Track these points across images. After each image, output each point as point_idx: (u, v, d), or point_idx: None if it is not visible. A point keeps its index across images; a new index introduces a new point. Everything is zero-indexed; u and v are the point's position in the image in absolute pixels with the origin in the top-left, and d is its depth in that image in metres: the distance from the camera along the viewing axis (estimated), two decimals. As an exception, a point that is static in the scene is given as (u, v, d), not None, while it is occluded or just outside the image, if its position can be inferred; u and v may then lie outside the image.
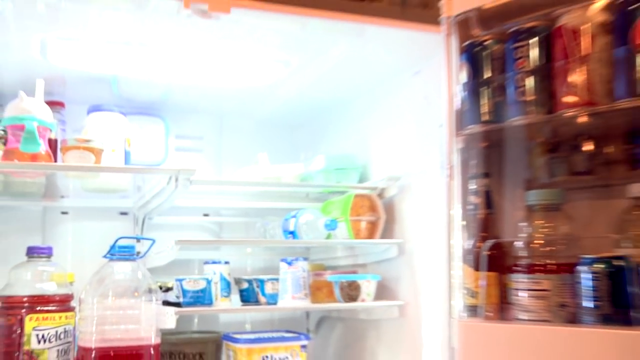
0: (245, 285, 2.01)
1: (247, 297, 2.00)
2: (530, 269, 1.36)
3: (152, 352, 1.71)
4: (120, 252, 1.75)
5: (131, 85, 2.06)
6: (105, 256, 1.75)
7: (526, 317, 1.35)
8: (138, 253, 1.85)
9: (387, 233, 1.95)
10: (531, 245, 1.38)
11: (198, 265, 2.10)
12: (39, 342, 1.68)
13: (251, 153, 2.19)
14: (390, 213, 1.96)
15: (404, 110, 1.89)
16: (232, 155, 2.36)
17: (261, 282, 1.96)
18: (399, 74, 1.88)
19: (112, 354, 1.66)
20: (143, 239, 1.88)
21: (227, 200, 2.24)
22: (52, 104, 1.86)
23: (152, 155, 2.18)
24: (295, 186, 2.11)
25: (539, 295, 1.34)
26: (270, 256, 2.23)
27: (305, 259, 1.90)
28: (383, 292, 1.94)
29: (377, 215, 1.94)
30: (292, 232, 1.98)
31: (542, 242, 1.38)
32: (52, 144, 1.80)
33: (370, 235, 1.95)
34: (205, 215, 2.31)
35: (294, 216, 1.99)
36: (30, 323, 1.67)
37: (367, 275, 1.92)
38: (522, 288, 1.36)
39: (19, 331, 1.67)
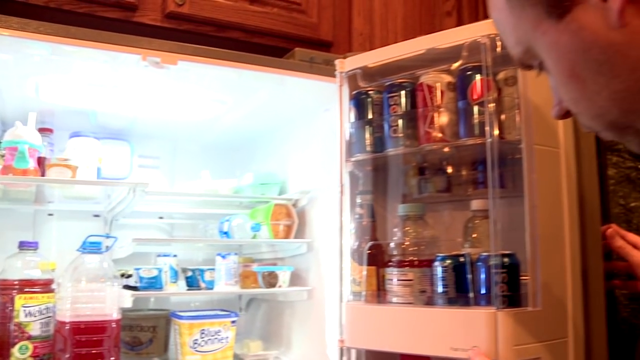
0: (189, 274, 2.06)
1: (191, 283, 2.05)
2: (400, 264, 1.43)
3: (114, 325, 1.75)
4: (90, 247, 1.78)
5: (105, 117, 2.08)
6: (78, 250, 1.79)
7: (396, 301, 1.42)
8: (107, 247, 1.89)
9: (299, 234, 2.00)
10: (401, 246, 1.46)
11: (154, 257, 2.13)
12: (26, 316, 1.70)
13: (198, 170, 2.24)
14: (302, 219, 2.01)
15: (315, 139, 1.94)
16: (183, 171, 2.38)
17: (202, 272, 2.01)
18: (313, 110, 1.92)
19: (82, 326, 1.70)
20: (108, 237, 1.91)
21: (178, 206, 2.28)
22: (43, 130, 1.92)
23: (119, 170, 2.19)
24: (229, 197, 2.15)
25: (406, 284, 1.41)
26: (210, 251, 2.26)
27: (236, 253, 1.95)
28: (296, 279, 1.99)
29: (292, 220, 2.00)
30: (225, 233, 2.03)
31: (409, 243, 1.46)
32: (42, 161, 1.84)
33: (287, 235, 2.00)
34: (160, 218, 2.33)
35: (228, 220, 2.04)
36: (19, 301, 1.70)
37: (283, 267, 1.97)
38: (393, 278, 1.43)
39: (10, 307, 1.70)
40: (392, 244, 1.48)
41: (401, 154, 1.48)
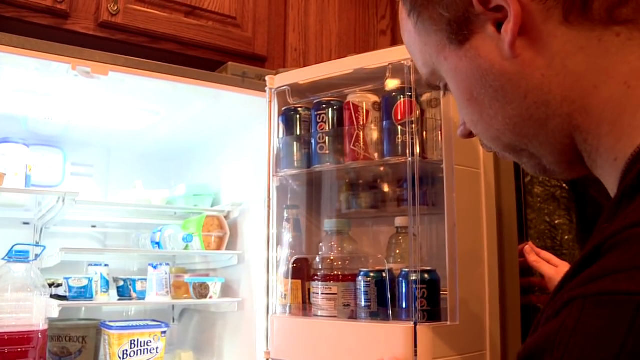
0: (121, 283, 2.04)
1: (123, 292, 2.03)
2: (324, 278, 1.46)
3: (40, 336, 1.73)
4: (16, 256, 1.76)
5: (37, 123, 2.05)
6: (3, 258, 1.76)
7: (321, 314, 1.45)
8: (36, 255, 1.86)
9: (231, 246, 2.01)
10: (326, 260, 1.49)
11: (85, 266, 2.11)
12: (-52, 329, 1.67)
13: (132, 179, 2.22)
14: (234, 230, 2.01)
15: (248, 151, 1.94)
16: (117, 180, 2.35)
17: (133, 281, 2.00)
18: (246, 123, 1.92)
19: (6, 337, 1.67)
20: (36, 245, 1.89)
21: (110, 215, 2.26)
22: (-33, 136, 1.87)
23: (51, 178, 2.16)
24: (161, 208, 2.15)
25: (330, 297, 1.44)
26: (143, 261, 2.24)
27: (168, 264, 1.95)
28: (228, 291, 2.00)
29: (224, 232, 2.00)
30: (157, 243, 2.02)
31: (334, 258, 1.49)
32: (-34, 167, 1.81)
33: (219, 247, 2.00)
34: (93, 227, 2.31)
35: (160, 230, 2.03)
36: (-61, 313, 1.67)
37: (214, 278, 1.98)
38: (318, 292, 1.46)
39: None
40: (317, 258, 1.50)
41: (328, 170, 1.51)
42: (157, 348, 1.89)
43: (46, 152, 2.17)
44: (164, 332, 1.91)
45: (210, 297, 1.93)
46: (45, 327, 1.75)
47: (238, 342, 1.95)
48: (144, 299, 1.97)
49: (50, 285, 1.85)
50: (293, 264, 1.53)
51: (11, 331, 1.68)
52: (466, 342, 1.35)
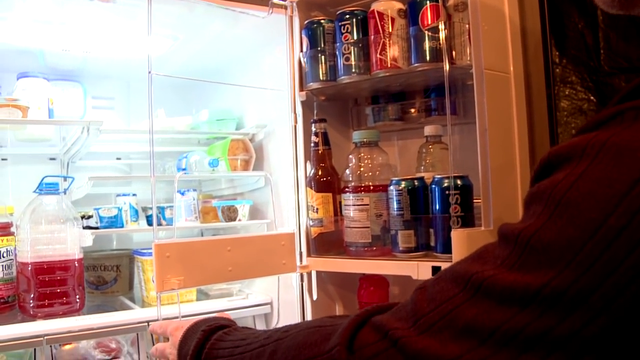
0: (149, 212, 2.05)
1: (151, 221, 2.04)
2: (356, 190, 1.45)
3: (77, 264, 1.75)
4: (46, 188, 1.77)
5: (55, 57, 2.02)
6: (35, 191, 1.77)
7: (353, 225, 1.45)
8: (65, 189, 1.87)
9: (257, 168, 2.00)
10: (356, 172, 1.47)
11: (113, 198, 2.12)
12: (-12, 259, 1.70)
13: (154, 109, 2.20)
14: (259, 153, 2.00)
15: (271, 71, 1.90)
16: (138, 111, 2.34)
17: (162, 209, 2.00)
18: (266, 45, 1.89)
19: (45, 266, 1.70)
20: (64, 177, 1.89)
21: (134, 146, 2.25)
22: (-14, 72, 1.85)
23: (73, 112, 2.14)
24: (185, 133, 2.13)
25: (362, 208, 1.43)
26: (169, 189, 2.25)
27: (195, 190, 1.95)
28: (256, 213, 2.00)
29: (249, 155, 1.99)
30: (184, 169, 2.02)
31: (364, 169, 1.47)
32: (-11, 104, 1.79)
33: (245, 169, 1.99)
34: (118, 158, 2.31)
35: (185, 157, 2.02)
36: (-20, 245, 1.69)
37: (242, 200, 1.98)
38: (349, 204, 1.45)
39: (-30, 252, 1.70)
40: (347, 171, 1.48)
41: (354, 82, 1.47)
42: (190, 272, 1.91)
43: (66, 87, 2.15)
44: (196, 256, 1.92)
45: (239, 220, 1.94)
46: (81, 256, 1.77)
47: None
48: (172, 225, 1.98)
49: (81, 218, 1.85)
50: (323, 178, 1.51)
51: (49, 260, 1.70)
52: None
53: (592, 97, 1.73)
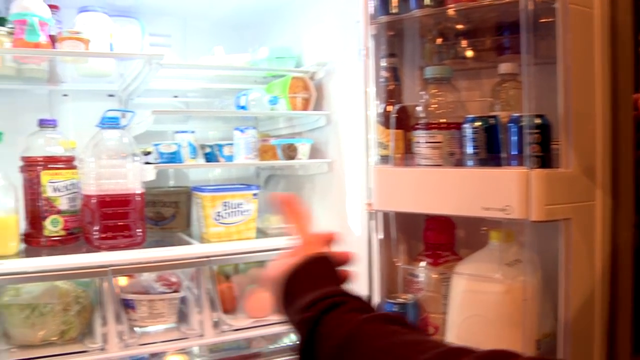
0: (208, 150, 2.01)
1: (210, 158, 2.00)
2: (428, 127, 1.37)
3: (138, 198, 1.73)
4: (108, 122, 1.74)
5: (112, -9, 1.97)
6: (97, 125, 1.73)
7: (424, 163, 1.38)
8: (125, 125, 1.84)
9: (317, 107, 1.93)
10: (428, 108, 1.40)
11: (170, 135, 2.08)
12: (54, 191, 1.70)
13: (209, 48, 2.14)
14: (320, 91, 1.93)
15: (330, 10, 1.84)
16: (194, 49, 2.28)
17: (220, 147, 1.96)
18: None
19: (108, 199, 1.68)
20: (126, 111, 1.85)
21: (192, 83, 2.20)
22: (48, 7, 1.78)
23: (131, 49, 2.10)
24: (245, 69, 2.06)
25: (435, 146, 1.36)
26: (225, 128, 2.21)
27: (254, 127, 1.90)
28: (315, 153, 1.94)
29: (309, 93, 1.92)
30: (243, 107, 1.96)
31: (436, 106, 1.40)
32: (52, 39, 1.75)
33: (304, 109, 1.93)
34: (175, 96, 2.27)
35: (245, 94, 1.96)
36: (45, 177, 1.68)
37: (302, 139, 1.92)
38: (421, 141, 1.38)
39: (37, 183, 1.69)
40: (419, 107, 1.41)
41: (426, 15, 1.38)
42: (249, 210, 1.87)
43: (124, 23, 2.10)
44: (255, 195, 1.89)
45: (299, 159, 1.88)
46: (142, 190, 1.74)
47: (328, 203, 1.91)
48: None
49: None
50: (394, 114, 1.44)
51: (112, 193, 1.69)
52: (577, 191, 1.27)
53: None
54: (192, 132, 1.96)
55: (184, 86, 2.23)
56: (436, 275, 1.49)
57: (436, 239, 1.52)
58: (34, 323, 1.54)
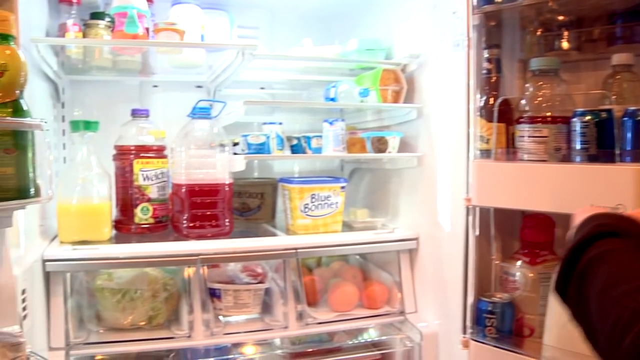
0: (295, 142, 1.98)
1: (297, 150, 1.98)
2: (533, 120, 1.31)
3: (227, 188, 1.72)
4: (199, 112, 1.74)
5: (204, -16, 1.98)
6: (188, 115, 1.74)
7: (527, 158, 1.32)
8: (216, 116, 1.84)
9: (408, 100, 1.87)
10: (533, 101, 1.33)
11: (257, 127, 2.06)
12: (145, 179, 1.71)
13: (297, 40, 2.11)
14: (411, 84, 1.87)
15: (422, 1, 1.78)
16: (281, 42, 2.26)
17: (308, 139, 1.93)
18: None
19: (197, 188, 1.68)
20: (216, 101, 1.84)
21: (280, 74, 2.19)
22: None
23: (220, 40, 2.10)
24: (335, 61, 2.01)
25: (539, 140, 1.30)
26: (311, 121, 2.19)
27: (343, 120, 1.86)
28: (404, 147, 1.88)
29: (400, 86, 1.86)
30: (332, 99, 1.92)
31: (542, 99, 1.33)
32: (147, 31, 1.77)
33: (395, 101, 1.87)
34: (262, 88, 2.26)
35: (334, 86, 1.92)
36: (137, 165, 1.70)
37: (392, 132, 1.87)
38: (525, 135, 1.32)
39: (129, 171, 1.71)
40: (524, 100, 1.34)
41: (531, 4, 1.31)
42: (336, 203, 1.84)
43: (214, 15, 2.10)
44: (343, 187, 1.85)
45: (389, 152, 1.84)
46: (231, 181, 1.74)
47: (416, 199, 1.86)
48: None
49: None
50: (496, 107, 1.38)
51: (201, 183, 1.69)
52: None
53: None
54: (280, 123, 1.94)
55: (271, 78, 2.21)
56: (533, 275, 1.42)
57: (534, 237, 1.45)
58: (124, 307, 1.56)
